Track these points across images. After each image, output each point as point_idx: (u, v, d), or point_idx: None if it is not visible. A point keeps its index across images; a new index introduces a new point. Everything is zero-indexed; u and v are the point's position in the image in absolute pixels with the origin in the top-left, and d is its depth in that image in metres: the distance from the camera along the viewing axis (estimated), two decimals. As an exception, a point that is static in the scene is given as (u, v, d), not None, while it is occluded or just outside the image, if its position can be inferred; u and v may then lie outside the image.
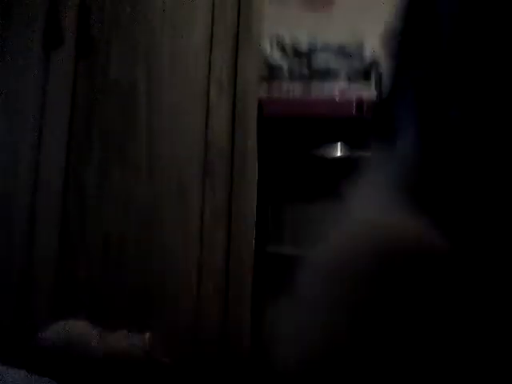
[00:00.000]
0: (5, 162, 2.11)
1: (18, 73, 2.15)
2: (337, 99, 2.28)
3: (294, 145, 2.28)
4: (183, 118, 2.15)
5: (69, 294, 2.03)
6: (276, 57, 2.40)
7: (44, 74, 2.14)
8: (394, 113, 0.65)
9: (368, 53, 2.34)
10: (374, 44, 2.29)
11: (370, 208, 0.61)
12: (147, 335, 1.48)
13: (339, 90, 2.31)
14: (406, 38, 0.67)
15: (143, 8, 2.19)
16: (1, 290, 2.03)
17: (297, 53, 2.41)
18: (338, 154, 2.31)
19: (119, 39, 2.18)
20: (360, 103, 2.20)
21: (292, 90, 2.33)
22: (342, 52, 2.35)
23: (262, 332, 2.05)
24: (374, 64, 2.31)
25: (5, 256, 2.06)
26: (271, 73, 2.37)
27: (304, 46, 2.41)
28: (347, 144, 2.28)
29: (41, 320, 1.56)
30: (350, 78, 2.33)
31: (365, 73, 2.33)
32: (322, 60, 2.38)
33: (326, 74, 2.35)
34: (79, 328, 1.47)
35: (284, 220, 2.36)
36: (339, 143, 2.29)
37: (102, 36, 2.18)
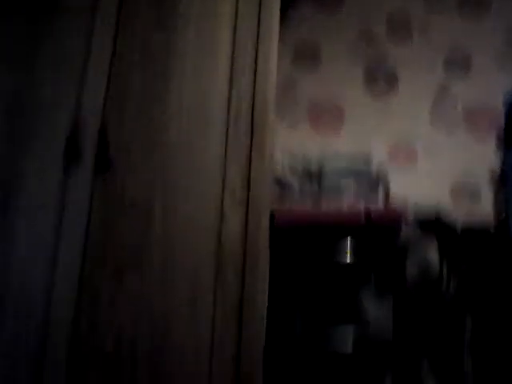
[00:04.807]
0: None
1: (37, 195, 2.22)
2: (345, 210, 2.36)
3: (306, 252, 2.32)
4: (197, 230, 2.21)
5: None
6: (287, 175, 2.50)
7: (62, 193, 2.22)
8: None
9: (375, 166, 2.45)
10: (380, 158, 2.39)
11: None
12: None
13: (348, 203, 2.40)
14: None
15: (159, 127, 2.31)
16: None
17: (307, 172, 2.51)
18: (348, 260, 2.35)
19: (136, 156, 2.28)
20: (368, 213, 2.27)
21: (302, 203, 2.40)
22: (351, 169, 2.45)
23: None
24: (381, 177, 2.41)
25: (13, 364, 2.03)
26: (282, 189, 2.46)
27: (314, 166, 2.52)
28: (357, 250, 2.33)
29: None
30: (359, 191, 2.42)
31: (372, 185, 2.42)
32: (331, 179, 2.48)
33: (336, 190, 2.44)
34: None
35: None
36: (348, 250, 2.35)
37: (119, 156, 2.28)
